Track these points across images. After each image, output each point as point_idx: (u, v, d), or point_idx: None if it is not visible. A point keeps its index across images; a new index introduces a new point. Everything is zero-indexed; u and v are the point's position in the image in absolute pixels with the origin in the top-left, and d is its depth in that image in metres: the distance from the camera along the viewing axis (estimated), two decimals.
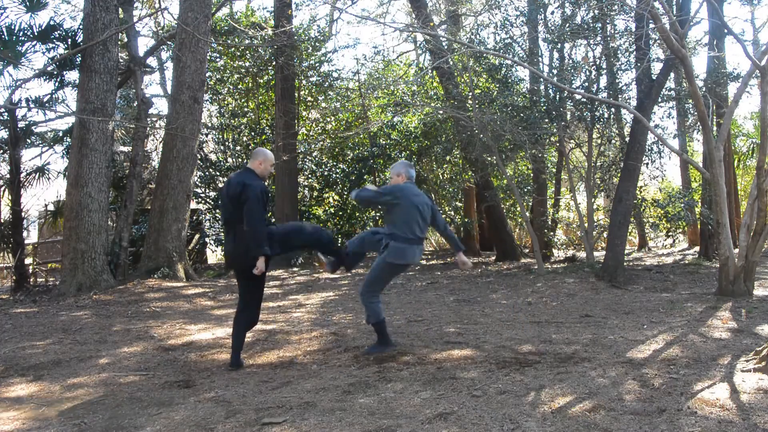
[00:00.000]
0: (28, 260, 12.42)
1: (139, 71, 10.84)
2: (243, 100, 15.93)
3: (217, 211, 15.43)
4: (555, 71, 11.33)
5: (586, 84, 10.76)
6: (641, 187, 12.34)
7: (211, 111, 16.32)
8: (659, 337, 4.85)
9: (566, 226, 15.98)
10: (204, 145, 15.32)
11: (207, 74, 12.60)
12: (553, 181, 13.81)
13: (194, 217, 14.43)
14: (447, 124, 13.17)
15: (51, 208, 13.01)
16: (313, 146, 15.62)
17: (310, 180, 15.87)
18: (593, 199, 11.99)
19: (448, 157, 15.03)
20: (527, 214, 11.64)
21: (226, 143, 15.58)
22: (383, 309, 4.74)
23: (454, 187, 15.45)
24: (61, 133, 12.18)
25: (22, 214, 10.82)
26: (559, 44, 11.15)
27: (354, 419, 3.14)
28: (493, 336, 5.16)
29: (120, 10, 10.15)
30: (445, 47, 11.62)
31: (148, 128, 12.98)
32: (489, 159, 11.88)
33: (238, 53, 14.72)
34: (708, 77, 10.76)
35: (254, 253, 4.18)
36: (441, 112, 12.11)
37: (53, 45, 10.25)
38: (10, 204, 10.54)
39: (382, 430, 2.96)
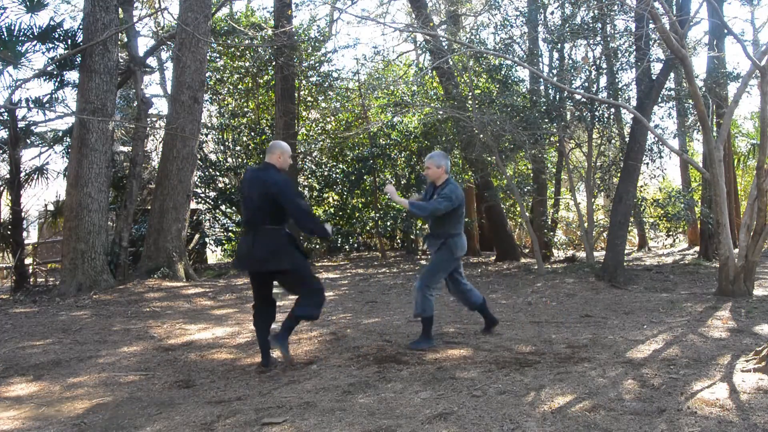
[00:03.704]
0: (28, 260, 12.40)
1: (139, 71, 10.83)
2: (243, 100, 15.92)
3: (217, 211, 15.43)
4: (555, 71, 11.32)
5: (586, 84, 10.75)
6: (641, 187, 12.33)
7: (211, 111, 16.34)
8: (659, 337, 4.85)
9: (566, 226, 15.97)
10: (204, 145, 15.31)
11: (207, 74, 12.61)
12: (553, 181, 13.80)
13: (194, 217, 14.43)
14: (447, 124, 13.16)
15: (51, 208, 12.99)
16: (313, 146, 15.62)
17: (310, 180, 15.87)
18: (593, 199, 11.99)
19: None
20: (527, 214, 11.64)
21: (226, 143, 15.58)
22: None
23: None
24: (60, 133, 12.16)
25: (22, 214, 10.81)
26: (559, 44, 11.14)
27: (354, 419, 3.14)
28: (493, 336, 5.16)
29: (120, 10, 10.15)
30: (445, 47, 11.61)
31: (148, 128, 12.97)
32: (489, 159, 11.87)
33: (238, 53, 14.72)
34: (708, 77, 10.76)
35: (321, 236, 4.26)
36: (441, 112, 12.10)
37: (53, 45, 10.23)
38: (9, 204, 10.52)
39: (382, 430, 2.96)
